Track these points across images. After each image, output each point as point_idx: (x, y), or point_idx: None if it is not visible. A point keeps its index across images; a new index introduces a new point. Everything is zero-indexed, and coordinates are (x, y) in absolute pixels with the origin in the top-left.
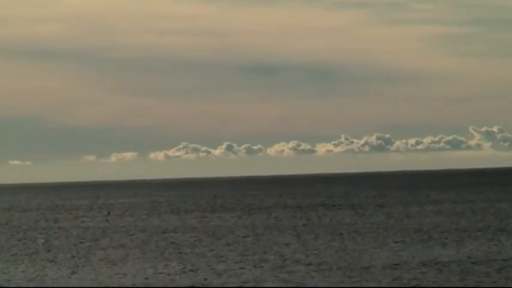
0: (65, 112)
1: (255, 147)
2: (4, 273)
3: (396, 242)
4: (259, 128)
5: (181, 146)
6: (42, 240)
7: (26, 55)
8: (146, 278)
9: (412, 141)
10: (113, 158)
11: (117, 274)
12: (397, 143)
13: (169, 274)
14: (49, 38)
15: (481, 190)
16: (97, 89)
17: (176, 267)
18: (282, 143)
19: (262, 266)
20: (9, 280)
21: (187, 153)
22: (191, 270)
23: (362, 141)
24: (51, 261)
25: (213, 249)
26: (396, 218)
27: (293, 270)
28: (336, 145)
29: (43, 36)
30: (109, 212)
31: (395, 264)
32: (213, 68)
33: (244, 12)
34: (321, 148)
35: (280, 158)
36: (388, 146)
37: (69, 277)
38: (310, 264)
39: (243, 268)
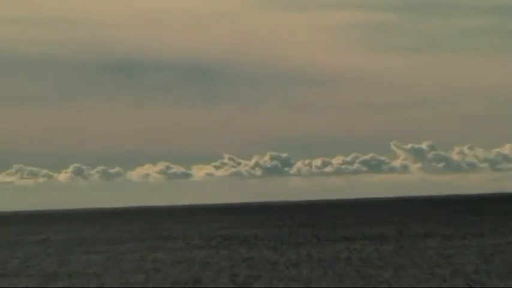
0: None
1: (112, 171)
2: None
3: None
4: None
5: (13, 170)
6: None
7: None
8: None
9: (318, 161)
10: None
11: None
12: (298, 164)
13: None
14: None
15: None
16: None
17: None
18: (147, 165)
19: None
20: None
21: (22, 178)
22: None
23: (252, 162)
24: None
25: None
26: None
27: None
28: (217, 167)
29: None
30: None
31: None
32: (56, 67)
33: None
34: (198, 171)
35: (145, 184)
36: (286, 168)
37: None
38: None
39: None
